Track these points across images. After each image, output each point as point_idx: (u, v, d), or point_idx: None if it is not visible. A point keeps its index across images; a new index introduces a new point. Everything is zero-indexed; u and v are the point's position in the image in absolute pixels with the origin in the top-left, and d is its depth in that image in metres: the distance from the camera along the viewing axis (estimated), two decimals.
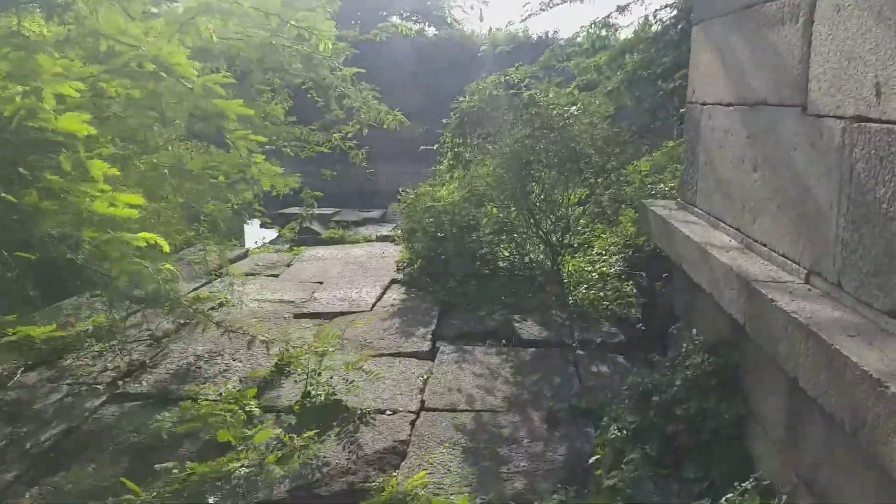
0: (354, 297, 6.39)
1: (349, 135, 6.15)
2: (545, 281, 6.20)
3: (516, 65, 5.62)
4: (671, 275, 4.67)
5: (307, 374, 4.05)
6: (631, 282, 6.06)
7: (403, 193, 6.75)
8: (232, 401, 3.89)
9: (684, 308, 4.22)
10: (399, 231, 6.83)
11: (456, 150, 5.52)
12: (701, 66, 4.08)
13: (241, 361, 4.74)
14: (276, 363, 4.51)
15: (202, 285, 7.14)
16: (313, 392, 3.97)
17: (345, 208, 12.74)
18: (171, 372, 4.59)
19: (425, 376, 4.47)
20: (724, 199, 3.60)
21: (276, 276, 7.53)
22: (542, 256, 6.35)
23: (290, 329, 5.49)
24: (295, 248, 9.00)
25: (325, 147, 6.26)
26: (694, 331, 3.56)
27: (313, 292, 6.64)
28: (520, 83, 5.59)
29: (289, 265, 8.04)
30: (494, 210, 6.16)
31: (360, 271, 7.45)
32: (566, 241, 6.21)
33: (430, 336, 5.22)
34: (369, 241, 9.57)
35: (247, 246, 10.74)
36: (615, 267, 6.47)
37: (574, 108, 5.58)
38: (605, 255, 7.07)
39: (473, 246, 6.32)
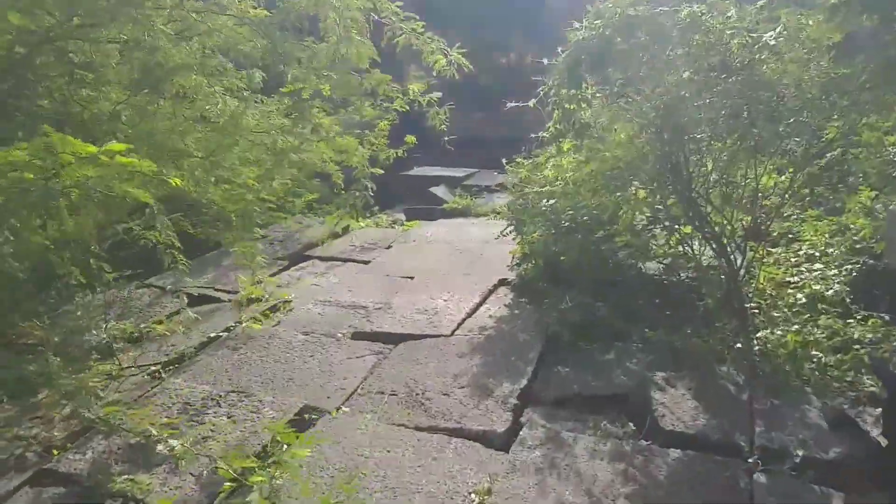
0: (440, 307, 4.71)
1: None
2: (716, 303, 4.04)
3: None
4: None
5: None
6: (862, 318, 3.73)
7: (510, 167, 4.80)
8: None
9: None
10: (507, 212, 4.97)
11: (565, 107, 3.46)
12: None
13: (237, 423, 3.28)
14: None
15: (279, 272, 5.87)
16: None
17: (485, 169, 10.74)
18: (126, 445, 3.19)
19: (478, 497, 2.69)
20: None
21: (367, 262, 6.07)
22: (713, 262, 4.18)
23: (334, 360, 3.96)
24: (406, 223, 7.51)
25: (398, 105, 4.50)
26: None
27: (395, 293, 5.06)
28: None
29: (388, 247, 6.55)
30: (642, 193, 4.05)
31: (465, 263, 5.75)
32: (754, 233, 3.98)
33: (515, 398, 3.40)
34: (497, 213, 7.74)
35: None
36: (835, 285, 4.12)
37: (770, 34, 3.30)
38: (819, 257, 4.69)
39: (606, 246, 4.31)
